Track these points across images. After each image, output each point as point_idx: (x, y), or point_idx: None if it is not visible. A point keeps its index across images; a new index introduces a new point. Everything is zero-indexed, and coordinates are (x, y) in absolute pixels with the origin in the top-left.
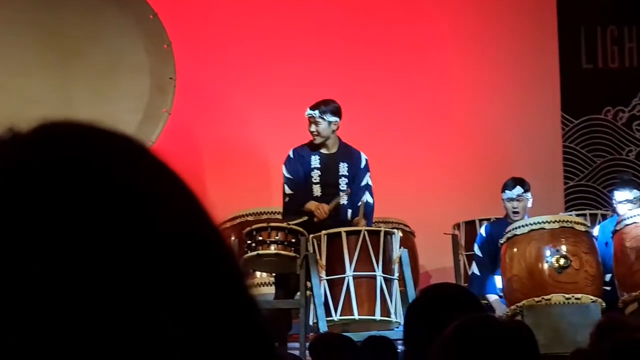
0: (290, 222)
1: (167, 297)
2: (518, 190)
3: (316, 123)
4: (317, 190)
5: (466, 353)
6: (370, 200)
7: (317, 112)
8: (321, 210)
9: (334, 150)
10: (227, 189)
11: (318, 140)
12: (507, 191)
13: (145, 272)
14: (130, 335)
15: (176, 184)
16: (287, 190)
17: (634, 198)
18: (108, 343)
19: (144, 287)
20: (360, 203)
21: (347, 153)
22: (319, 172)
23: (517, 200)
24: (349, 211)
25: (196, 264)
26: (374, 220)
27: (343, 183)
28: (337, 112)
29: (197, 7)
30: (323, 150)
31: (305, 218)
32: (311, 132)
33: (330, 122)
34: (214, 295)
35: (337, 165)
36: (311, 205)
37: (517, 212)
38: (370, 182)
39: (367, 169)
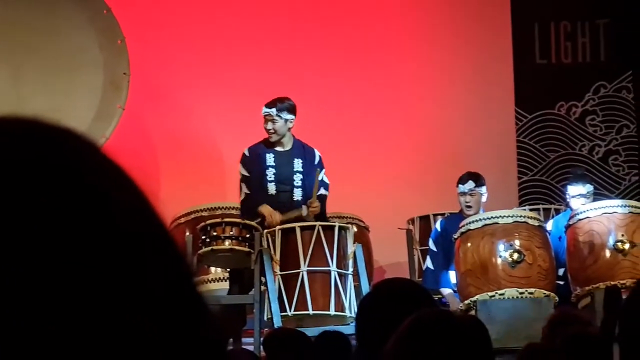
0: (250, 221)
1: (121, 295)
2: (470, 184)
3: (273, 121)
4: (271, 188)
5: (420, 348)
6: (324, 192)
7: (273, 110)
8: (272, 218)
9: (288, 147)
10: (181, 184)
11: (274, 138)
12: (460, 185)
13: (99, 269)
14: (84, 330)
15: (126, 183)
16: (245, 189)
17: (587, 192)
18: (62, 337)
19: (99, 285)
20: (313, 190)
21: (301, 150)
22: (273, 170)
23: (470, 195)
24: (304, 207)
25: (148, 262)
26: (328, 216)
27: (298, 179)
28: (292, 110)
29: (152, 2)
30: (278, 148)
31: (259, 220)
32: (267, 130)
33: (286, 120)
34: (164, 293)
35: (292, 162)
36: (264, 209)
37: (469, 207)
38: (325, 179)
39: (321, 165)
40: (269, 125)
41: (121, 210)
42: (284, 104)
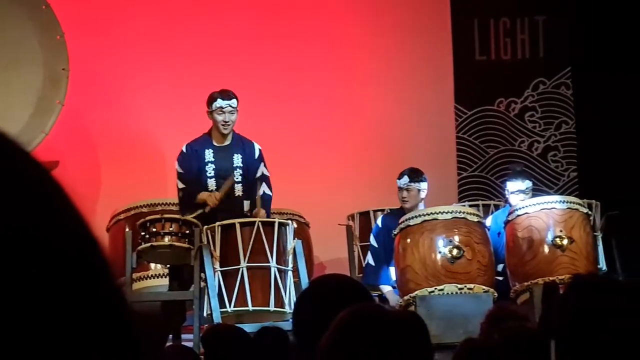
0: (189, 217)
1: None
2: (405, 179)
3: (231, 112)
4: (211, 184)
5: (354, 342)
6: (267, 191)
7: (234, 100)
8: (212, 197)
9: (227, 142)
10: (121, 180)
11: (228, 130)
12: (397, 180)
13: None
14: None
15: (54, 190)
16: (180, 185)
17: (526, 188)
18: None
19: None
20: (256, 197)
21: (241, 144)
22: (213, 166)
23: (406, 190)
24: (246, 203)
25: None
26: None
27: (237, 174)
28: (238, 101)
29: None
30: (217, 143)
31: (201, 211)
32: (223, 122)
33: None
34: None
35: (231, 157)
36: (203, 195)
37: (405, 201)
38: (266, 172)
39: (261, 159)
40: (227, 117)
41: (49, 222)
42: (236, 97)
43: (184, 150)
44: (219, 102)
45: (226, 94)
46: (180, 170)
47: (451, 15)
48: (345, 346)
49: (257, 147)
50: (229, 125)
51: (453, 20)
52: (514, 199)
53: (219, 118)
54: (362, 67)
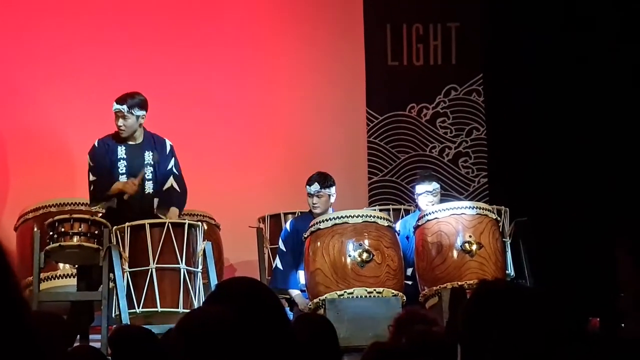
0: (99, 207)
1: None
2: (316, 186)
3: (124, 117)
4: (123, 180)
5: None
6: (175, 186)
7: (124, 106)
8: (129, 184)
9: (139, 140)
10: (30, 179)
11: (125, 134)
12: (307, 186)
13: None
14: None
15: None
16: (91, 177)
17: (434, 190)
18: None
19: None
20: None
21: (152, 142)
22: (125, 163)
23: (317, 196)
24: (155, 200)
25: None
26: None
27: (149, 172)
28: (144, 105)
29: None
30: (129, 142)
31: (115, 201)
32: (118, 127)
33: (137, 117)
34: None
35: (143, 155)
36: (118, 184)
37: (316, 207)
38: (175, 170)
39: (172, 154)
40: (120, 122)
41: None
42: (134, 100)
43: (96, 144)
44: (114, 106)
45: (120, 98)
46: (92, 164)
47: (364, 20)
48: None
49: (168, 143)
50: (122, 130)
51: (366, 24)
52: (422, 201)
53: (116, 121)
54: (277, 70)
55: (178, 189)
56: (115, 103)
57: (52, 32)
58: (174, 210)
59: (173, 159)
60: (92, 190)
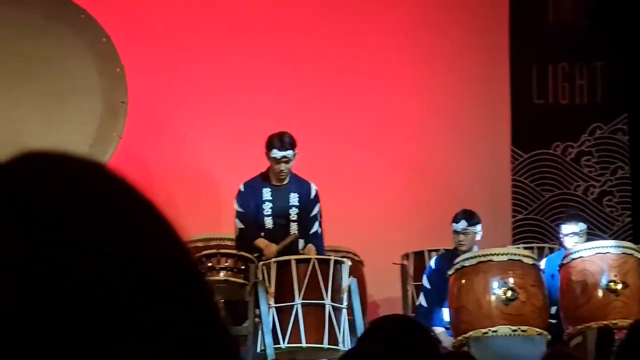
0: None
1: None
2: (463, 224)
3: (288, 162)
4: (268, 222)
5: None
6: (319, 230)
7: (291, 152)
8: (269, 248)
9: (285, 182)
10: (176, 214)
11: (284, 180)
12: (453, 224)
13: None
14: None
15: (152, 212)
16: (239, 225)
17: (580, 231)
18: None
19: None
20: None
21: (298, 184)
22: (270, 205)
23: (463, 234)
24: (300, 242)
25: (168, 287)
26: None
27: (294, 213)
28: (296, 145)
29: (151, 31)
30: (274, 183)
31: (256, 255)
32: (280, 171)
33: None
34: (186, 316)
35: (288, 197)
36: (261, 243)
37: (462, 244)
38: (319, 216)
39: (317, 199)
40: (283, 167)
41: (149, 239)
42: (294, 142)
43: (242, 189)
44: (275, 153)
45: (282, 145)
46: (240, 210)
47: (510, 59)
48: None
49: (313, 187)
50: (284, 174)
51: (512, 64)
52: (568, 242)
53: (275, 167)
54: (422, 109)
55: (320, 234)
56: (277, 150)
57: (207, 70)
58: (311, 247)
59: (318, 204)
60: (238, 237)
